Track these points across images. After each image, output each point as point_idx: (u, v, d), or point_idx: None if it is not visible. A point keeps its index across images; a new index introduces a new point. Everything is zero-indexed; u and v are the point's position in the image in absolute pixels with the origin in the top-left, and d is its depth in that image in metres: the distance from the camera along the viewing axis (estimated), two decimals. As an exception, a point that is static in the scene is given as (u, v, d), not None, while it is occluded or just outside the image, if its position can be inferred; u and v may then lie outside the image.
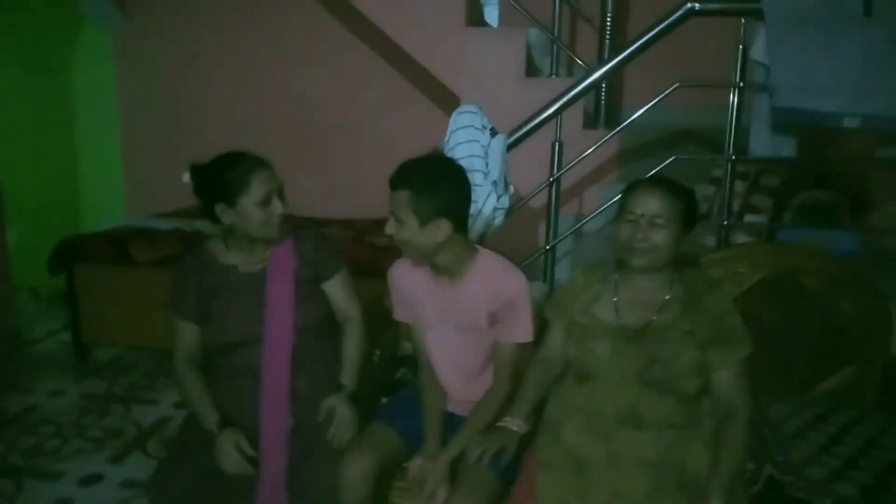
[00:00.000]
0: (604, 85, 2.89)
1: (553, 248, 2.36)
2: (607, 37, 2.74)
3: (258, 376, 1.61)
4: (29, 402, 2.88)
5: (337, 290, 1.75)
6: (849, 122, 1.79)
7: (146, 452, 2.47)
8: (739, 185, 2.80)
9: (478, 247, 1.63)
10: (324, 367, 1.70)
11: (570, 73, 3.34)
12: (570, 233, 2.38)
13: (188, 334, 1.64)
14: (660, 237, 1.42)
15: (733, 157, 2.00)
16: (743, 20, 1.94)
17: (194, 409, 1.59)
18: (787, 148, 1.92)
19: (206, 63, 4.27)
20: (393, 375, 2.00)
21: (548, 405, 1.60)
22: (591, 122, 3.06)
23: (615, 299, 1.51)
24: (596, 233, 2.80)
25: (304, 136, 4.21)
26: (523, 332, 1.58)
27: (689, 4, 1.94)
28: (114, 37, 4.33)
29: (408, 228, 1.50)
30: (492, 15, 3.86)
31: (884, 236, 2.27)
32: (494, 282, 1.57)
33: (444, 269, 1.59)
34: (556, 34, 3.09)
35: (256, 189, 1.57)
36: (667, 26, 1.97)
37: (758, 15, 1.88)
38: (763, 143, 1.91)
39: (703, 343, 1.42)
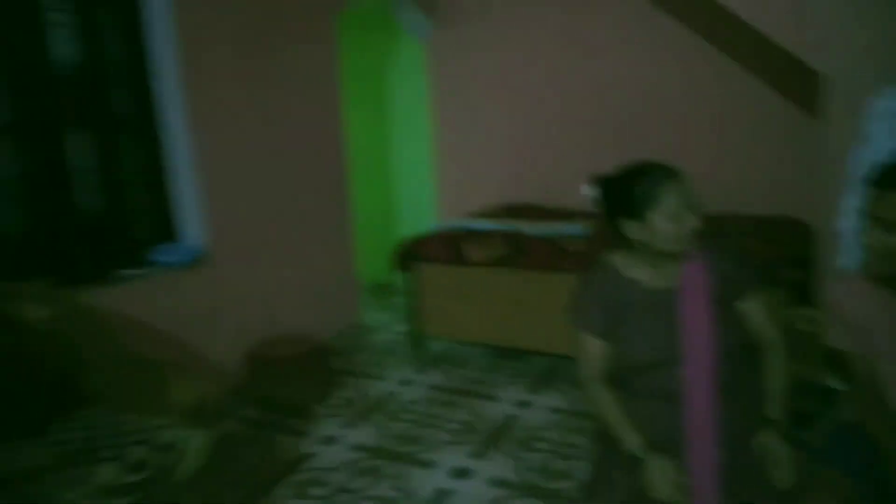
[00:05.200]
0: None
1: None
2: None
3: (675, 401, 1.49)
4: (385, 390, 3.20)
5: (756, 311, 1.57)
6: None
7: (503, 452, 2.56)
8: None
9: None
10: (752, 398, 1.52)
11: None
12: None
13: (595, 349, 1.59)
14: None
15: None
16: None
17: (612, 429, 1.53)
18: None
19: (507, 65, 4.33)
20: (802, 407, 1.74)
21: None
22: None
23: None
24: None
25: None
26: None
27: None
28: (426, 48, 4.58)
29: None
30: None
31: None
32: None
33: None
34: None
35: (666, 202, 1.45)
36: None
37: None
38: None
39: None
